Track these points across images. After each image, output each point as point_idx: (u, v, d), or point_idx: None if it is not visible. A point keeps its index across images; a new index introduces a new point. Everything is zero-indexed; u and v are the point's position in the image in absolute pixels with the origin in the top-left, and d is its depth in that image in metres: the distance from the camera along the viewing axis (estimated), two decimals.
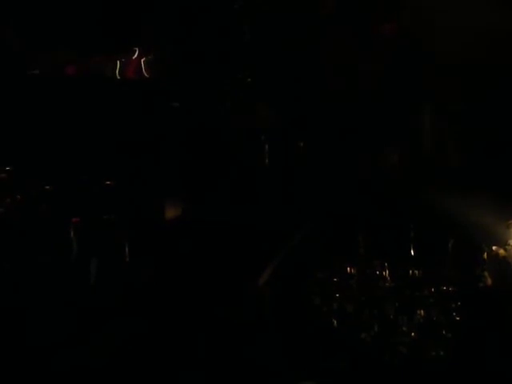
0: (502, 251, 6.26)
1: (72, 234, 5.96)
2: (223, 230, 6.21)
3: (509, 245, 6.26)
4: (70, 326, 5.64)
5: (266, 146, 6.45)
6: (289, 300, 6.10)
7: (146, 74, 6.52)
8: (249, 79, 6.42)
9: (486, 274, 6.17)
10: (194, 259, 6.10)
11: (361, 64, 6.33)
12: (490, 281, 6.18)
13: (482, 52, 6.21)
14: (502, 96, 6.31)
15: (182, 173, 6.34)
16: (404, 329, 5.99)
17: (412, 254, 6.25)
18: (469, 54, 6.20)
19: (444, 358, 5.83)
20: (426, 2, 6.25)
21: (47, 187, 6.12)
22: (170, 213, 6.22)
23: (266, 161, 6.46)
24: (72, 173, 6.29)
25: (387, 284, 6.16)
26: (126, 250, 5.98)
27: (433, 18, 6.21)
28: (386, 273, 6.21)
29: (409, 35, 6.29)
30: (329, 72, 6.39)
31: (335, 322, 6.06)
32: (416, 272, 6.19)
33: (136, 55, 6.59)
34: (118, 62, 6.60)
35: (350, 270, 6.22)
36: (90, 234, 6.03)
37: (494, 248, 6.24)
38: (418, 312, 6.02)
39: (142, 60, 6.57)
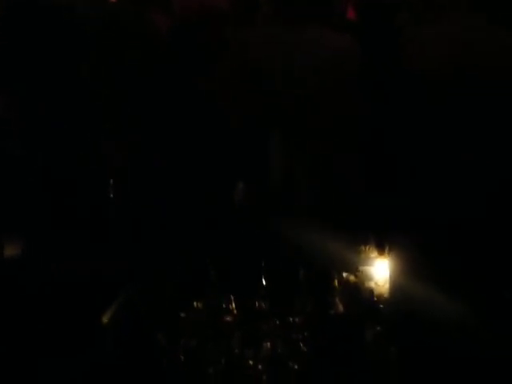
0: (352, 277, 6.22)
1: None
2: (67, 273, 6.23)
3: (359, 271, 6.24)
4: None
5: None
6: (134, 339, 6.09)
7: None
8: None
9: (337, 300, 6.14)
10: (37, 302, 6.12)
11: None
12: (341, 307, 6.13)
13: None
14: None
15: (25, 209, 6.30)
16: (250, 362, 5.97)
17: (260, 285, 6.22)
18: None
19: None
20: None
21: None
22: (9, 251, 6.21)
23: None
24: None
25: (233, 318, 6.16)
26: None
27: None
28: (233, 306, 6.20)
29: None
30: None
31: (182, 358, 6.06)
32: (263, 304, 6.17)
33: None
34: None
35: (197, 304, 6.23)
36: None
37: (344, 275, 6.22)
38: (264, 345, 6.01)
39: None
